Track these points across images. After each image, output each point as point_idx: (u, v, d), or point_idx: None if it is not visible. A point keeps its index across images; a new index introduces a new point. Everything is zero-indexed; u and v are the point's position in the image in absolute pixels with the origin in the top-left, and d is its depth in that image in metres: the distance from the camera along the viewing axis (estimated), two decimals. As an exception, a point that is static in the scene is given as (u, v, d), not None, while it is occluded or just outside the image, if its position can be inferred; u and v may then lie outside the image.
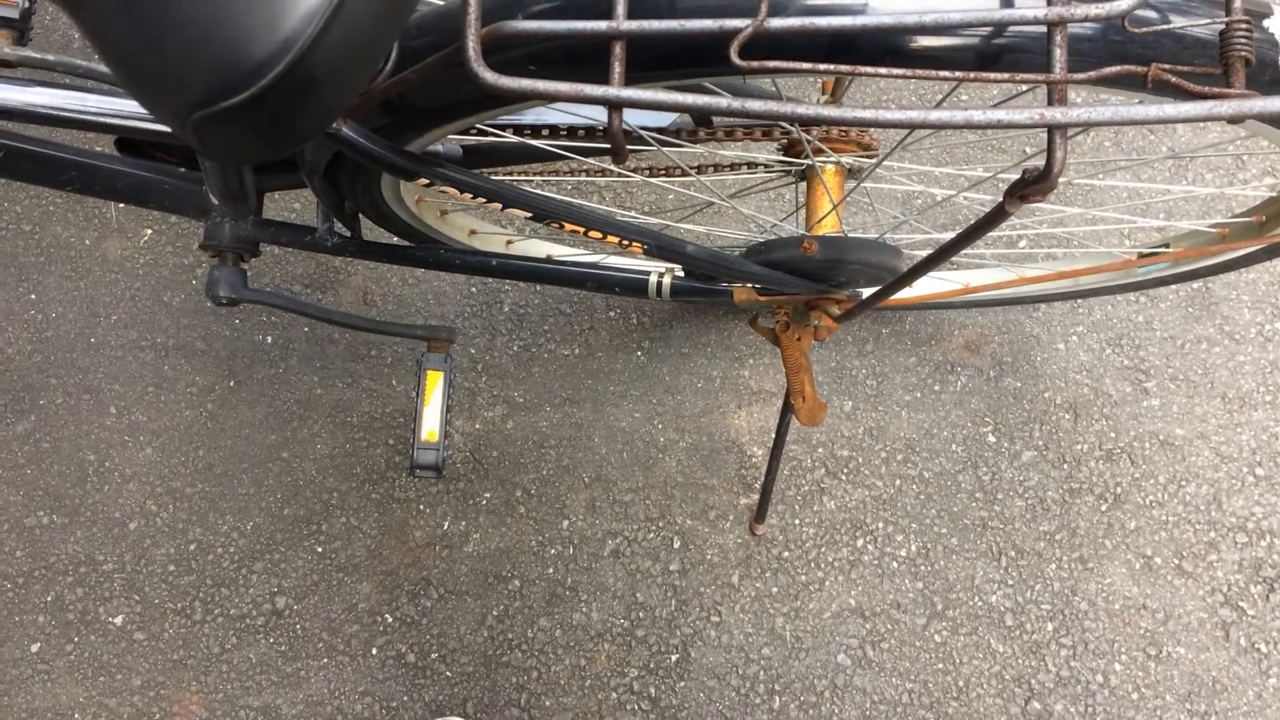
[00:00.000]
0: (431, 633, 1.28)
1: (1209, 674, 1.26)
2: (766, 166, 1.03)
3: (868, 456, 1.34)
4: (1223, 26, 0.52)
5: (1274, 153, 1.36)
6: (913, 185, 1.21)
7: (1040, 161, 0.54)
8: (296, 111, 0.46)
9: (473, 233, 1.12)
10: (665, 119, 0.92)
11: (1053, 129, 0.51)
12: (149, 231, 1.43)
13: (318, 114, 0.47)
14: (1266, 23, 0.57)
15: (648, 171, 1.05)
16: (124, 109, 0.90)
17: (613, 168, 1.06)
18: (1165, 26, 0.54)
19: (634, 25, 0.54)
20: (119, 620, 1.29)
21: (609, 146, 0.93)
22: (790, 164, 0.98)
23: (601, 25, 0.54)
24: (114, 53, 0.46)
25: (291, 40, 0.44)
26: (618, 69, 0.54)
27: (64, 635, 1.29)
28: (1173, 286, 1.35)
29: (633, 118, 0.90)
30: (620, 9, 0.54)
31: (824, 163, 0.95)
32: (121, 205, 1.44)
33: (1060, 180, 0.53)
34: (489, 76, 0.54)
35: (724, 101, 0.53)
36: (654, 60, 0.59)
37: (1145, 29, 0.55)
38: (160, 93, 0.46)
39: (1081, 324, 1.37)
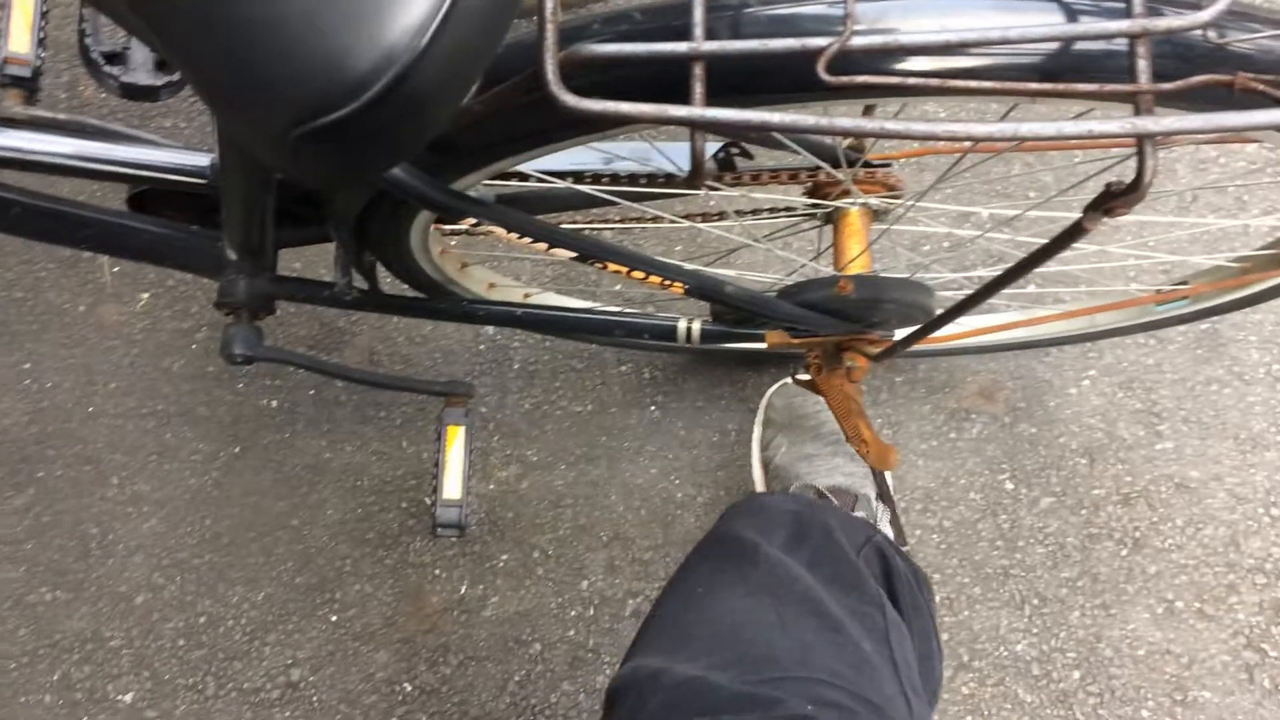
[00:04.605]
0: (452, 700, 1.24)
1: (1235, 718, 1.25)
2: (789, 210, 1.03)
3: (887, 506, 1.32)
4: (1303, 35, 0.52)
5: None
6: (934, 226, 1.22)
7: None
8: (399, 127, 0.45)
9: (492, 286, 1.11)
10: (694, 163, 0.92)
11: (1142, 138, 0.51)
12: (145, 296, 1.41)
13: (419, 130, 0.46)
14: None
15: (665, 217, 1.05)
16: (137, 158, 0.88)
17: (637, 210, 1.06)
18: (1250, 36, 0.55)
19: (714, 46, 0.54)
20: (129, 698, 1.25)
21: (647, 191, 0.93)
22: (818, 206, 0.98)
23: (682, 47, 0.54)
24: (204, 71, 0.45)
25: (396, 54, 0.43)
26: (699, 89, 0.54)
27: (72, 715, 1.24)
28: (1181, 328, 1.35)
29: (664, 162, 0.90)
30: (699, 30, 0.54)
31: (853, 204, 0.95)
32: (116, 269, 1.42)
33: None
34: (570, 100, 0.53)
35: (811, 119, 0.53)
36: (728, 86, 0.59)
37: (1222, 40, 0.55)
38: (256, 109, 0.44)
39: (1093, 368, 1.37)
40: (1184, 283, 1.10)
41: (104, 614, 1.28)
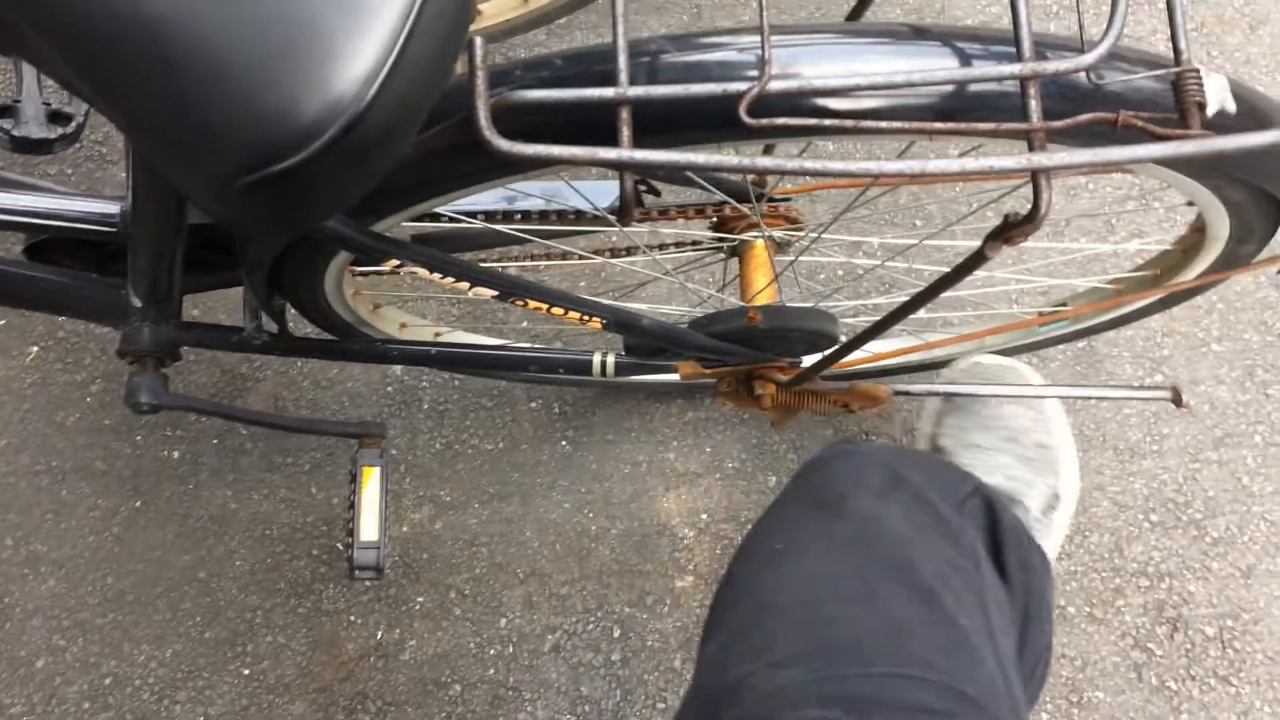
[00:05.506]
0: (372, 749, 1.23)
1: (1127, 715, 1.31)
2: (696, 244, 1.06)
3: (796, 529, 1.35)
4: (1174, 77, 0.57)
5: (1141, 210, 1.48)
6: (834, 256, 1.26)
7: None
8: (346, 175, 0.46)
9: (404, 326, 1.11)
10: (606, 201, 0.95)
11: (1037, 173, 0.56)
12: (34, 349, 1.36)
13: (365, 178, 0.47)
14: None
15: (574, 252, 1.07)
16: (44, 207, 0.86)
17: (545, 247, 1.08)
18: (1126, 77, 0.60)
19: (639, 91, 0.56)
20: (28, 767, 1.19)
21: (560, 228, 0.95)
22: (724, 240, 1.02)
23: (609, 92, 0.56)
24: (143, 118, 0.46)
25: (344, 104, 0.44)
26: (626, 133, 0.56)
27: (-37, 791, 1.18)
28: (1060, 347, 1.43)
29: (579, 200, 0.92)
30: (624, 76, 0.56)
31: (758, 237, 0.99)
32: (1, 322, 1.37)
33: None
34: (502, 144, 0.55)
35: (734, 159, 0.56)
36: (649, 129, 0.61)
37: (1102, 81, 0.60)
38: (200, 157, 0.45)
39: (982, 387, 1.43)
40: (1064, 304, 1.17)
41: (2, 681, 1.22)
